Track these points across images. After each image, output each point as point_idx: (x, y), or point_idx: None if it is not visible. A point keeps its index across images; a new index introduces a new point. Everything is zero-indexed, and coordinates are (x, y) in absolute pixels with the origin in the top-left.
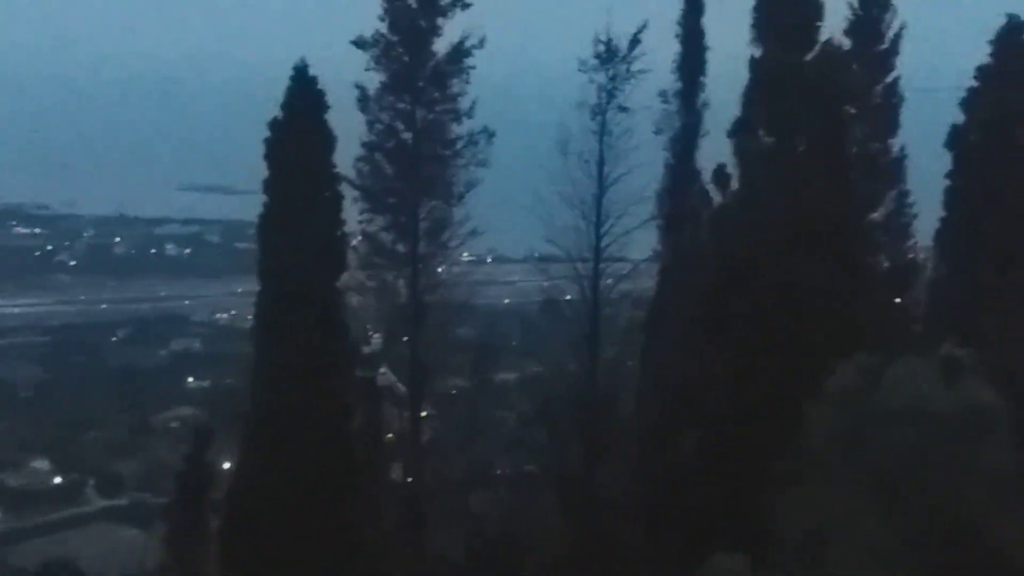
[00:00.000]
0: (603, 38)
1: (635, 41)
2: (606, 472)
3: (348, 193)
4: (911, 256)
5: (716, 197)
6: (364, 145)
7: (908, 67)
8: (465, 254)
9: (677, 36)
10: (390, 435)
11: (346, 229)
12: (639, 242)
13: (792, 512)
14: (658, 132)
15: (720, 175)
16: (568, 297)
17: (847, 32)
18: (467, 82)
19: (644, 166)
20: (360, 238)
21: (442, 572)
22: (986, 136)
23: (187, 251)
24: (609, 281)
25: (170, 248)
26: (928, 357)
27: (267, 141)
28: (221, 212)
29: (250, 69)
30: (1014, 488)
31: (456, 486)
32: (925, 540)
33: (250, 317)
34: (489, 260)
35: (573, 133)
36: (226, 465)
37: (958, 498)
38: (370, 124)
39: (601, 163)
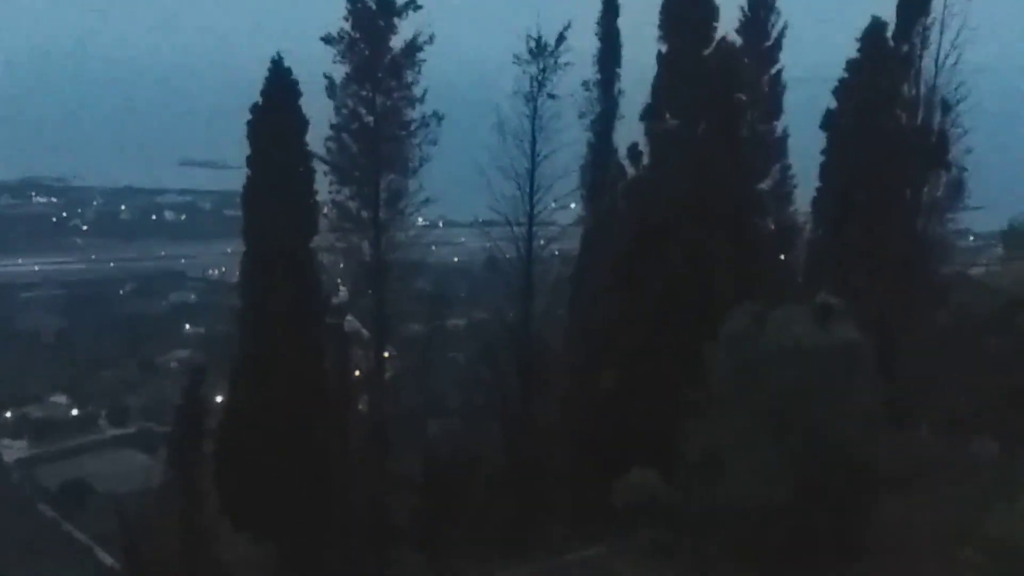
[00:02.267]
0: (534, 35)
1: (561, 38)
2: (539, 403)
3: (319, 168)
4: (793, 220)
5: (630, 171)
6: (332, 127)
7: (790, 60)
8: (420, 219)
9: (597, 34)
10: (358, 373)
11: (318, 198)
12: (566, 208)
13: (694, 436)
14: (581, 116)
15: (634, 152)
16: (507, 256)
17: (739, 31)
18: (419, 73)
19: (570, 145)
20: (330, 206)
21: (402, 488)
22: (855, 119)
23: (183, 217)
24: (541, 242)
25: (169, 215)
26: (806, 305)
27: (249, 123)
28: (213, 184)
29: (239, 60)
30: (877, 414)
31: (414, 416)
32: (804, 459)
33: (237, 273)
34: (441, 224)
35: (509, 117)
36: (219, 399)
37: (831, 423)
38: (337, 109)
39: (533, 142)
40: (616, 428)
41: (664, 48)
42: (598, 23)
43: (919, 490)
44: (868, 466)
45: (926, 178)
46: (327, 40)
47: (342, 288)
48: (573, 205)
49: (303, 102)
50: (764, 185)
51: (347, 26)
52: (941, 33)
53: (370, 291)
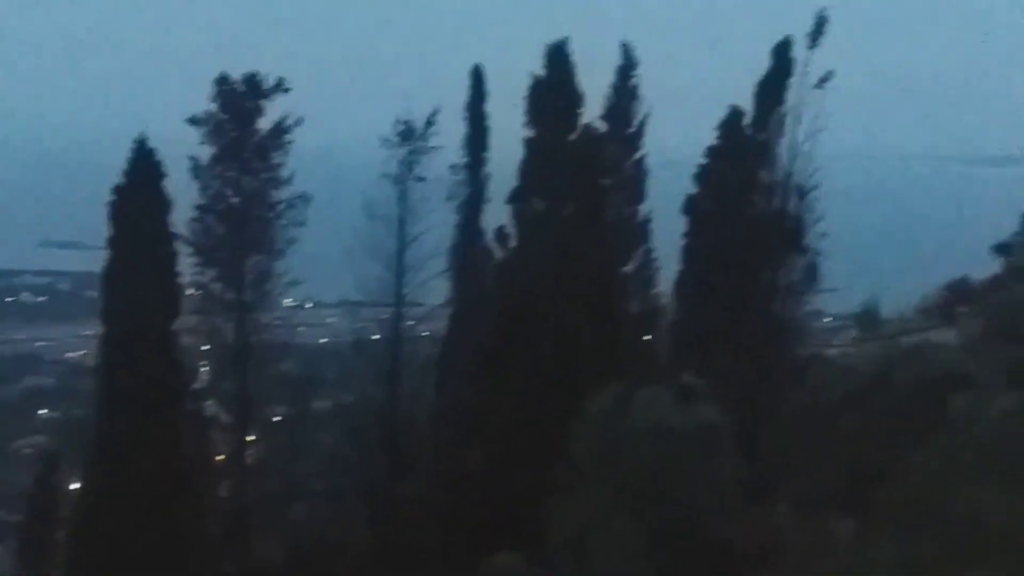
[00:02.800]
0: (402, 119)
1: (429, 122)
2: (407, 485)
3: (183, 249)
4: (656, 302)
5: (498, 253)
6: (197, 208)
7: (653, 146)
8: (287, 300)
9: (464, 118)
10: (220, 458)
11: (181, 280)
12: (434, 290)
13: (560, 516)
14: (449, 198)
15: (501, 235)
16: (375, 337)
17: (603, 117)
18: (287, 154)
19: (438, 226)
20: (193, 288)
21: (265, 574)
22: (714, 204)
23: (42, 299)
24: (410, 323)
25: (26, 296)
26: (669, 385)
27: (111, 203)
28: (74, 265)
29: (99, 139)
30: (737, 492)
31: (278, 500)
32: (666, 538)
33: (96, 356)
34: (308, 305)
35: (378, 198)
36: (74, 486)
37: (692, 502)
38: (202, 190)
39: (402, 224)
40: (484, 509)
41: (530, 133)
42: (466, 108)
43: (777, 567)
44: (727, 543)
45: (783, 261)
46: (193, 121)
47: (204, 371)
48: (442, 286)
49: (167, 183)
50: (628, 268)
51: (214, 107)
52: (796, 122)
53: (233, 374)
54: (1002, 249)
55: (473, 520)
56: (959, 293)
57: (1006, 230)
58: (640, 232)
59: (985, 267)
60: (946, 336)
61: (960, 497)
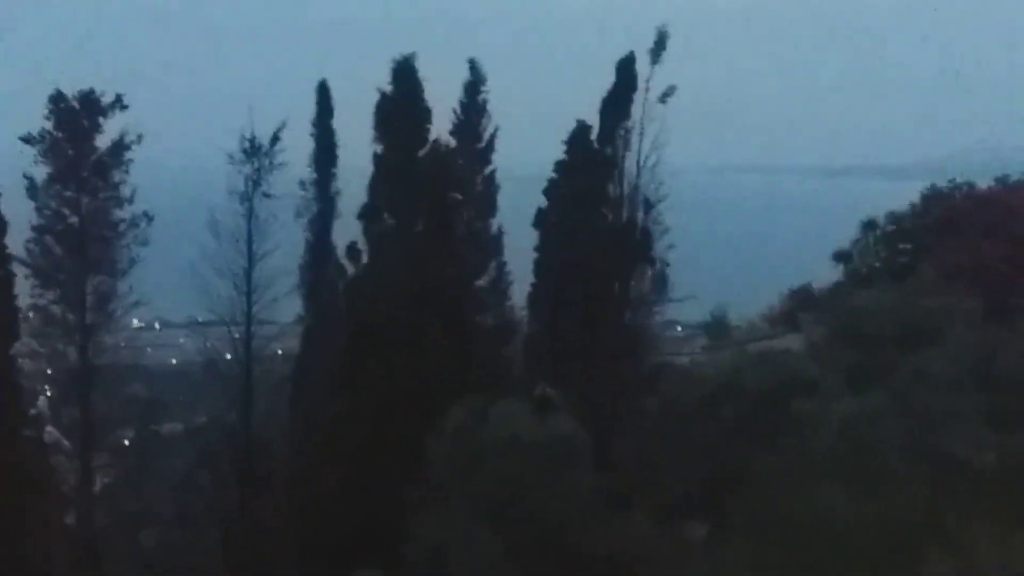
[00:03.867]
0: (248, 135)
1: (275, 138)
2: (261, 507)
3: (20, 271)
4: (510, 315)
5: (350, 269)
6: (34, 228)
7: (504, 161)
8: (135, 322)
9: (312, 135)
10: (66, 486)
11: (18, 303)
12: (285, 308)
13: (419, 532)
14: (298, 215)
15: (352, 251)
16: (227, 357)
17: (452, 133)
18: (128, 172)
19: (287, 244)
20: (32, 311)
21: None
22: (564, 218)
23: None
24: (262, 342)
25: None
26: (525, 398)
27: None
28: None
29: None
30: (594, 502)
31: (128, 527)
32: (525, 550)
33: None
34: (157, 326)
35: (224, 216)
36: None
37: (550, 513)
38: (39, 210)
39: (250, 242)
40: (341, 528)
41: (379, 149)
42: (313, 124)
43: (635, 575)
44: (586, 553)
45: (632, 273)
46: (27, 140)
47: (45, 396)
48: (293, 304)
49: (1, 203)
50: (482, 281)
51: (49, 125)
52: (641, 136)
53: (77, 398)
54: (842, 257)
55: (331, 539)
56: (802, 300)
57: (846, 239)
58: (492, 246)
59: (827, 274)
60: (791, 342)
61: (805, 499)
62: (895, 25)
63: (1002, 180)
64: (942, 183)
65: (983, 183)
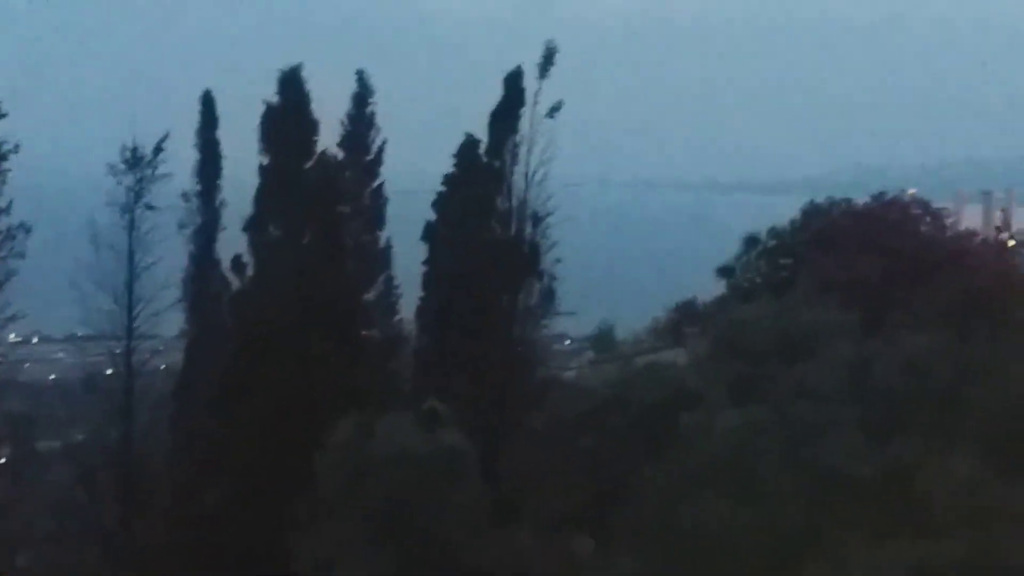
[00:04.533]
0: (129, 146)
1: (158, 149)
2: (144, 526)
3: None
4: (399, 329)
5: (235, 282)
6: None
7: (393, 173)
8: (11, 336)
9: (196, 145)
10: None
11: None
12: (168, 321)
13: (305, 548)
14: (182, 227)
15: (237, 264)
16: (108, 371)
17: (340, 145)
18: (4, 183)
19: (170, 256)
20: None
21: None
22: (453, 231)
23: None
24: (146, 356)
25: None
26: (412, 412)
27: None
28: None
29: None
30: (482, 516)
31: (3, 547)
32: (413, 565)
33: None
34: (35, 341)
35: (105, 228)
36: None
37: (437, 527)
38: None
39: (131, 254)
40: (226, 545)
41: (265, 160)
42: (197, 134)
43: None
44: (473, 566)
45: (520, 286)
46: None
47: None
48: (177, 317)
49: None
50: (369, 295)
51: None
52: (529, 150)
53: None
54: (725, 271)
55: (215, 557)
56: (687, 314)
57: (730, 253)
58: (381, 259)
59: (711, 289)
60: (676, 356)
61: (689, 510)
62: (779, 45)
63: (878, 197)
64: (821, 199)
65: (860, 199)
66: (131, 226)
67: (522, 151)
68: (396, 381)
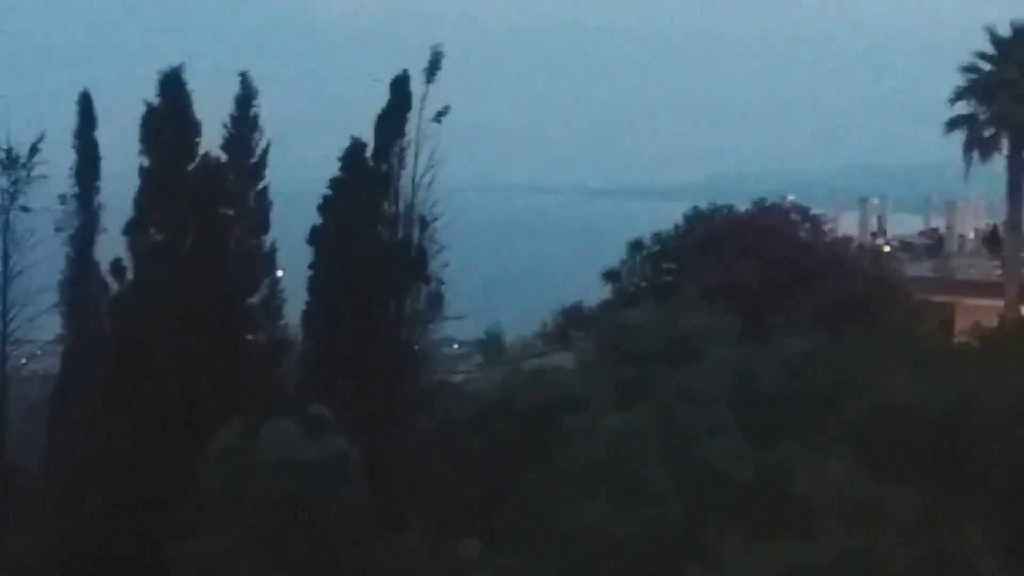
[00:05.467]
0: (3, 146)
1: (34, 150)
2: (18, 537)
3: None
4: (284, 333)
5: (114, 286)
6: None
7: (280, 176)
8: None
9: (74, 146)
10: None
11: None
12: (45, 326)
13: (186, 557)
14: (59, 230)
15: (117, 267)
16: None
17: (223, 147)
18: None
19: (47, 259)
20: None
21: None
22: (339, 235)
23: None
24: (21, 361)
25: None
26: (298, 417)
27: None
28: None
29: None
30: (368, 520)
31: None
32: (298, 571)
33: None
34: None
35: None
36: None
37: (323, 532)
38: None
39: (5, 257)
40: (105, 554)
41: (146, 162)
42: (75, 135)
43: None
44: (359, 572)
45: (407, 290)
46: None
47: None
48: (54, 322)
49: None
50: (254, 299)
51: None
52: (416, 155)
53: None
54: (611, 276)
55: (93, 567)
56: (574, 318)
57: (617, 258)
58: (265, 263)
59: (598, 293)
60: (563, 359)
61: (573, 513)
62: (670, 53)
63: (759, 203)
64: (704, 205)
65: (742, 205)
66: (5, 229)
67: (409, 155)
68: (281, 386)
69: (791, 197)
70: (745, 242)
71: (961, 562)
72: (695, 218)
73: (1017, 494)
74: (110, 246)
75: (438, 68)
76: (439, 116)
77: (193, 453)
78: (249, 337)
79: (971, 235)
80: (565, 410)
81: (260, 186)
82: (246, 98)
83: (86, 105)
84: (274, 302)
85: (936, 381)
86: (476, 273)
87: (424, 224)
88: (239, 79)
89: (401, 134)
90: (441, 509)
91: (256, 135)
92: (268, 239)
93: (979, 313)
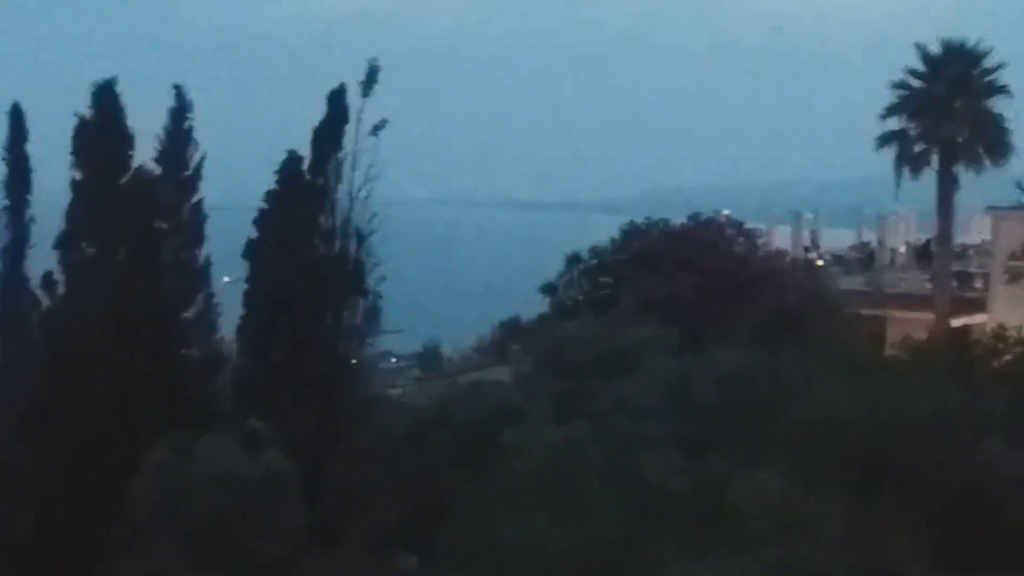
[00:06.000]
0: None
1: None
2: None
3: None
4: (219, 348)
5: (45, 301)
6: None
7: (215, 189)
8: None
9: (4, 159)
10: None
11: None
12: None
13: (121, 573)
14: None
15: (48, 282)
16: None
17: (157, 160)
18: None
19: None
20: None
21: None
22: (276, 249)
23: None
24: None
25: None
26: (234, 432)
27: None
28: None
29: None
30: (305, 536)
31: None
32: None
33: None
34: None
35: None
36: None
37: (259, 549)
38: None
39: None
40: (36, 574)
41: (78, 175)
42: (5, 148)
43: None
44: None
45: (344, 304)
46: None
47: None
48: None
49: None
50: (188, 313)
51: None
52: (353, 168)
53: None
54: (548, 289)
55: None
56: (512, 331)
57: (553, 271)
58: (200, 276)
59: (536, 307)
60: (501, 373)
61: (511, 526)
62: (604, 66)
63: (694, 217)
64: (640, 219)
65: (677, 219)
66: None
67: (346, 169)
68: (217, 401)
69: (726, 211)
70: (681, 256)
71: (890, 571)
72: (632, 232)
73: (944, 503)
74: (41, 260)
75: (375, 82)
76: (376, 130)
77: (127, 470)
78: (184, 352)
79: (902, 249)
80: (503, 423)
81: (195, 199)
82: (180, 110)
83: (17, 118)
84: (209, 316)
85: (867, 393)
86: (414, 287)
87: (361, 237)
88: (173, 91)
89: (338, 147)
90: (379, 524)
91: (191, 147)
92: (202, 253)
93: (909, 326)
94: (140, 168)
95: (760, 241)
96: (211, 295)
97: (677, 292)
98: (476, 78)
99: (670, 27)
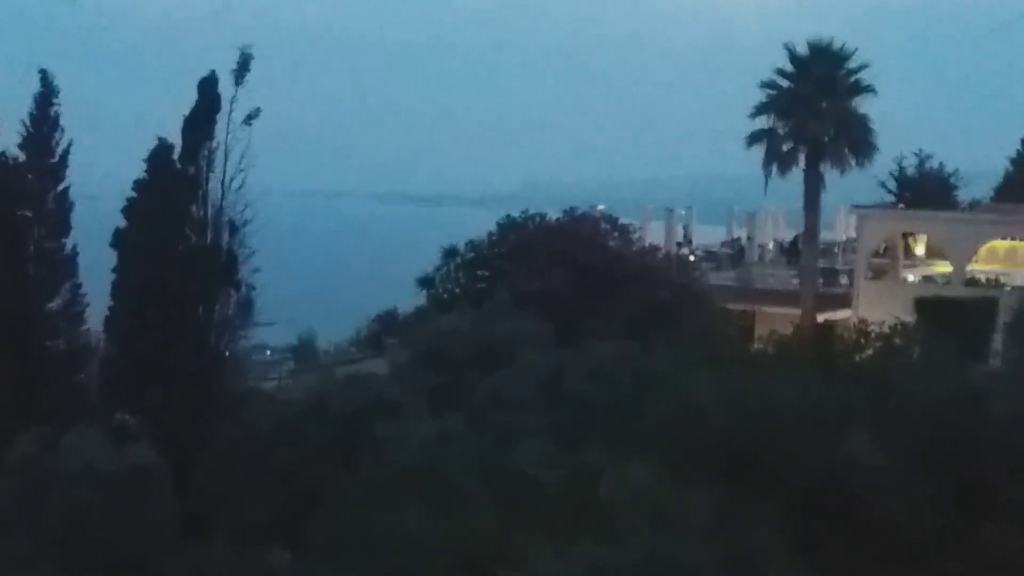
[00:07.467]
0: None
1: None
2: None
3: None
4: (86, 339)
5: None
6: None
7: (79, 177)
8: None
9: None
10: None
11: None
12: None
13: None
14: None
15: None
16: None
17: (21, 146)
18: None
19: None
20: None
21: None
22: (145, 238)
23: None
24: None
25: None
26: (101, 426)
27: None
28: None
29: None
30: (172, 530)
31: None
32: None
33: None
34: None
35: None
36: None
37: (126, 546)
38: None
39: None
40: None
41: None
42: None
43: None
44: None
45: (216, 296)
46: None
47: None
48: None
49: None
50: (54, 304)
51: None
52: (226, 158)
53: None
54: (425, 282)
55: None
56: (388, 324)
57: (430, 264)
58: (66, 266)
59: (413, 299)
60: (377, 366)
61: (384, 520)
62: (473, 66)
63: (569, 212)
64: (516, 213)
65: (553, 214)
66: None
67: (219, 158)
68: (82, 394)
69: (601, 206)
70: (556, 250)
71: (753, 562)
72: (507, 226)
73: (808, 494)
74: None
75: (247, 70)
76: (249, 119)
77: None
78: (49, 343)
79: (770, 245)
80: (377, 416)
81: (60, 187)
82: (46, 96)
83: None
84: (75, 307)
85: (734, 386)
86: (289, 279)
87: (234, 228)
88: (39, 76)
89: (210, 136)
90: (250, 518)
91: (57, 134)
92: (69, 242)
93: (777, 321)
94: (3, 154)
95: (634, 236)
96: (78, 285)
97: (552, 286)
98: (347, 65)
99: (552, 17)
